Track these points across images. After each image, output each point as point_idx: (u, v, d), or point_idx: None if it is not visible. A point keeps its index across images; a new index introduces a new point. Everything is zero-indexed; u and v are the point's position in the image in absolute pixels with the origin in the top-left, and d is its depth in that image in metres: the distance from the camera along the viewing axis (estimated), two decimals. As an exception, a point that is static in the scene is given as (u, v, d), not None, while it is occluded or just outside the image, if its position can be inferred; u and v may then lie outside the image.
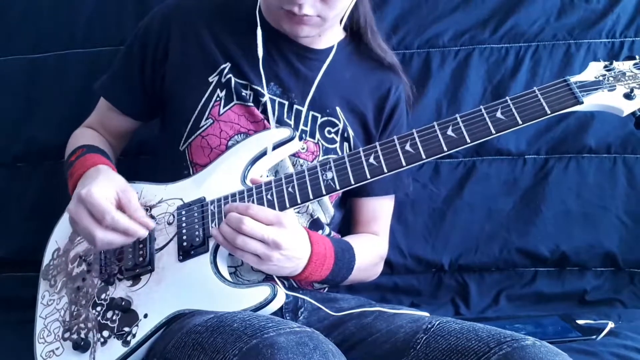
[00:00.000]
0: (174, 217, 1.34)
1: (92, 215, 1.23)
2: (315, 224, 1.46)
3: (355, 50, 1.53)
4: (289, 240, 1.20)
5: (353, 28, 1.54)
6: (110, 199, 1.25)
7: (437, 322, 1.15)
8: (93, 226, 1.22)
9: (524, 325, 1.62)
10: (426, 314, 1.29)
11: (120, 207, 1.27)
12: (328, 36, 1.50)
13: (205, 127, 1.41)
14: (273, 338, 0.97)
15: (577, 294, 1.87)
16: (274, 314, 1.18)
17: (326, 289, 1.53)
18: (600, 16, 1.84)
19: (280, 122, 1.43)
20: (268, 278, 1.37)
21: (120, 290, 1.31)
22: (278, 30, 1.43)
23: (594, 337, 1.55)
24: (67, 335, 1.31)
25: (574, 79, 1.20)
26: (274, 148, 1.36)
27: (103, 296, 1.32)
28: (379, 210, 1.60)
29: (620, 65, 1.21)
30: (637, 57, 1.22)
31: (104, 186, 1.25)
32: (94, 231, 1.22)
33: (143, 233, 1.27)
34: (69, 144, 1.54)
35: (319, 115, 1.47)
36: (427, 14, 1.88)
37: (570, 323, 1.63)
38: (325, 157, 1.45)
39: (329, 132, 1.47)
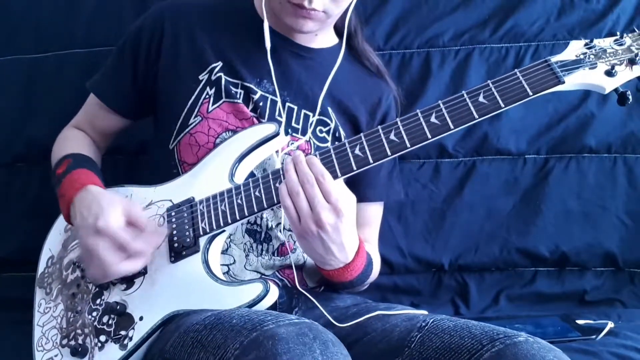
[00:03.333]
0: (164, 219, 1.34)
1: (113, 245, 1.22)
2: None
3: (346, 56, 1.53)
4: (349, 220, 1.21)
5: (343, 33, 1.54)
6: (122, 222, 1.24)
7: (432, 320, 1.14)
8: (112, 258, 1.21)
9: (524, 325, 1.62)
10: (424, 312, 1.29)
11: (130, 224, 1.26)
12: (322, 37, 1.51)
13: (194, 124, 1.41)
14: (273, 330, 0.97)
15: (577, 294, 1.87)
16: (269, 312, 1.18)
17: (322, 288, 1.52)
18: (600, 16, 1.84)
19: (271, 120, 1.42)
20: (262, 277, 1.38)
21: (114, 294, 1.30)
22: (274, 28, 1.43)
23: (594, 337, 1.54)
24: (64, 342, 1.31)
25: (554, 58, 1.18)
26: (260, 144, 1.34)
27: (98, 301, 1.31)
28: (370, 217, 1.60)
29: (601, 42, 1.19)
30: (617, 33, 1.21)
31: (113, 211, 1.23)
32: (111, 265, 1.22)
33: (154, 247, 1.28)
34: (56, 147, 1.54)
35: (311, 114, 1.46)
36: (427, 14, 1.89)
37: (570, 323, 1.62)
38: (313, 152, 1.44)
39: (321, 131, 1.48)
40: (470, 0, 1.88)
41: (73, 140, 1.55)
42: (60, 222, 1.50)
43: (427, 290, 1.91)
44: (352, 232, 1.24)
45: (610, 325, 1.58)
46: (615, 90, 1.16)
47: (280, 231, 1.42)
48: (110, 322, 1.27)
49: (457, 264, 1.89)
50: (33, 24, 1.92)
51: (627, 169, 1.86)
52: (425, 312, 1.27)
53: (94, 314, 1.30)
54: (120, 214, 1.24)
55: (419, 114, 1.20)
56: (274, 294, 1.20)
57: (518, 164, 1.88)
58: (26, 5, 1.92)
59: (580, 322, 1.63)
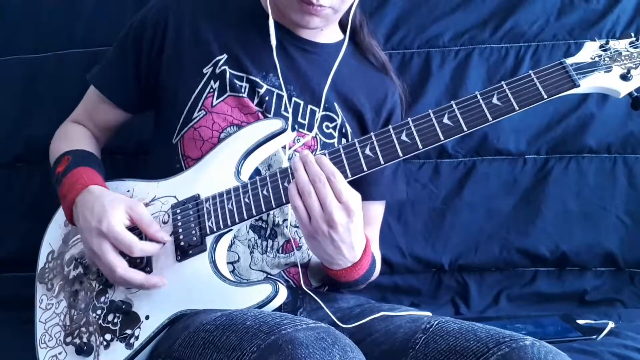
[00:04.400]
0: (168, 215, 1.32)
1: (116, 248, 1.24)
2: None
3: (352, 51, 1.54)
4: (359, 219, 1.20)
5: (348, 28, 1.54)
6: (126, 222, 1.26)
7: (436, 322, 1.14)
8: (117, 261, 1.23)
9: (524, 325, 1.62)
10: (428, 313, 1.29)
11: (133, 224, 1.28)
12: (327, 32, 1.51)
13: (197, 118, 1.40)
14: (291, 334, 0.96)
15: (577, 294, 1.87)
16: (274, 313, 1.17)
17: (326, 289, 1.52)
18: (600, 16, 1.85)
19: (277, 115, 1.42)
20: (268, 277, 1.38)
21: (119, 292, 1.30)
22: (279, 21, 1.42)
23: (594, 337, 1.55)
24: (69, 339, 1.31)
25: (570, 60, 1.17)
26: (267, 140, 1.33)
27: (102, 299, 1.31)
28: (373, 215, 1.60)
29: (616, 44, 1.18)
30: (632, 34, 1.19)
31: (115, 212, 1.25)
32: (117, 268, 1.23)
33: (158, 249, 1.28)
34: (54, 143, 1.53)
35: (317, 110, 1.46)
36: (427, 14, 1.89)
37: (571, 323, 1.62)
38: (321, 151, 1.44)
39: (327, 127, 1.47)
40: (470, 0, 1.88)
41: (72, 136, 1.54)
42: (59, 216, 1.49)
43: (427, 290, 1.91)
44: (361, 231, 1.24)
45: (611, 325, 1.58)
46: (630, 94, 1.16)
47: (286, 227, 1.41)
48: (115, 320, 1.27)
49: (457, 264, 1.89)
50: (33, 24, 1.92)
51: (627, 169, 1.86)
52: (429, 314, 1.27)
53: (99, 312, 1.30)
54: (124, 215, 1.26)
55: (431, 115, 1.19)
56: (282, 295, 1.20)
57: (518, 164, 1.88)
58: (26, 5, 1.91)
59: (580, 322, 1.63)
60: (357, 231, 1.21)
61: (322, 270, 1.39)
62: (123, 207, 1.26)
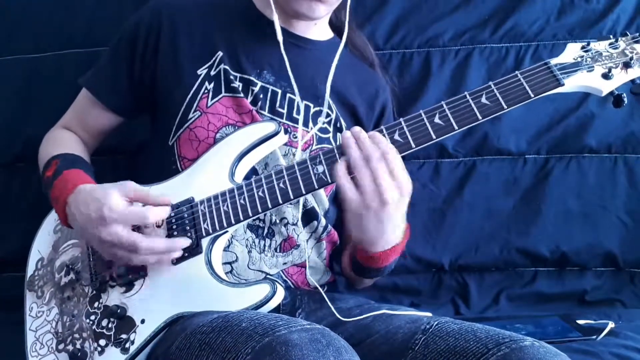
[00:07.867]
0: (162, 219, 1.30)
1: (129, 225, 1.21)
2: (308, 214, 1.45)
3: (343, 49, 1.55)
4: (407, 199, 1.21)
5: (338, 26, 1.58)
6: (125, 202, 1.23)
7: (436, 323, 1.14)
8: (135, 235, 1.20)
9: (524, 325, 1.62)
10: (428, 314, 1.29)
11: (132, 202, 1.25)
12: (319, 29, 1.53)
13: (193, 119, 1.40)
14: (286, 335, 0.96)
15: (577, 294, 1.87)
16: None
17: (325, 289, 1.52)
18: (600, 16, 1.85)
19: (273, 111, 1.43)
20: (266, 277, 1.38)
21: (113, 297, 1.29)
22: (271, 18, 1.42)
23: (594, 337, 1.54)
24: (61, 346, 1.30)
25: (554, 61, 1.21)
26: (260, 143, 1.34)
27: (96, 304, 1.30)
28: None
29: (597, 46, 1.23)
30: (611, 37, 1.23)
31: (112, 197, 1.21)
32: (138, 242, 1.19)
33: (169, 212, 1.28)
34: (43, 149, 1.51)
35: (312, 105, 1.47)
36: (427, 14, 1.89)
37: (571, 323, 1.62)
38: (318, 146, 1.46)
39: (322, 122, 1.47)
40: (470, 0, 1.89)
41: (60, 141, 1.53)
42: (48, 223, 1.48)
43: (427, 290, 1.91)
44: (404, 213, 1.25)
45: (611, 325, 1.58)
46: (611, 92, 1.20)
47: (284, 226, 1.41)
48: (110, 325, 1.26)
49: (457, 264, 1.89)
50: (32, 24, 1.92)
51: (628, 169, 1.87)
52: (429, 314, 1.27)
53: (92, 317, 1.29)
54: (120, 197, 1.23)
55: (423, 115, 1.21)
56: (280, 295, 1.20)
57: (518, 164, 1.89)
58: (25, 5, 1.92)
59: (580, 322, 1.63)
60: (403, 212, 1.23)
61: (322, 269, 1.39)
62: (117, 192, 1.23)
